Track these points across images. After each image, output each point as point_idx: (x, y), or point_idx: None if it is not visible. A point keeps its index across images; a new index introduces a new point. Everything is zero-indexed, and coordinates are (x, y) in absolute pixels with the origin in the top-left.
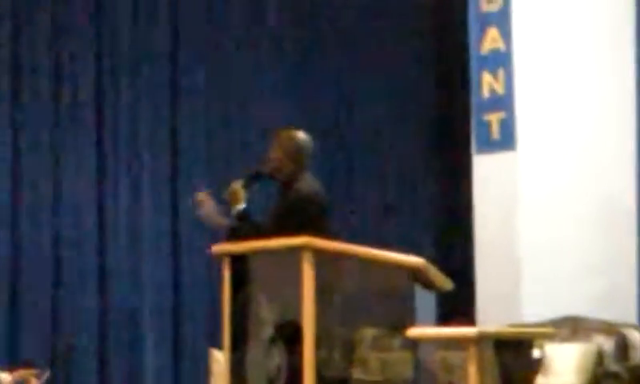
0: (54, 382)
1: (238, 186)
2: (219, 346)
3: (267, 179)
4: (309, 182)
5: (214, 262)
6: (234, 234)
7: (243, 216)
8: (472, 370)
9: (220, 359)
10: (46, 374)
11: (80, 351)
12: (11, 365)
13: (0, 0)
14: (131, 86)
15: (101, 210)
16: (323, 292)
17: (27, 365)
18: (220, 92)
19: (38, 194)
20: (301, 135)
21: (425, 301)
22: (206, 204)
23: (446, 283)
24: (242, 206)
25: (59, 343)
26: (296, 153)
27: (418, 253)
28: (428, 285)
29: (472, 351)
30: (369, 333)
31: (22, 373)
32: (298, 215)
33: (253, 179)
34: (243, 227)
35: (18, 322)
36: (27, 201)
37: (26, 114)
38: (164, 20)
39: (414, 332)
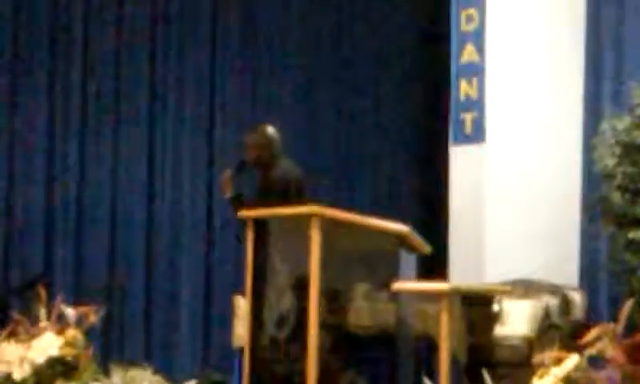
0: (110, 317)
1: (227, 176)
2: (242, 294)
3: (251, 168)
4: (285, 166)
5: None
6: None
7: (233, 201)
8: (444, 319)
9: (242, 304)
10: (102, 311)
11: (130, 294)
12: (75, 302)
13: None
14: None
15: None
16: (326, 252)
17: (87, 302)
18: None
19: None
20: (269, 129)
21: (408, 262)
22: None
23: (426, 248)
24: (230, 193)
25: (114, 285)
26: (269, 144)
27: (402, 220)
28: (411, 249)
29: (445, 303)
30: (362, 287)
31: (83, 309)
32: (276, 194)
33: (239, 169)
34: (236, 208)
35: (82, 271)
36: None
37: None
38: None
39: (397, 286)
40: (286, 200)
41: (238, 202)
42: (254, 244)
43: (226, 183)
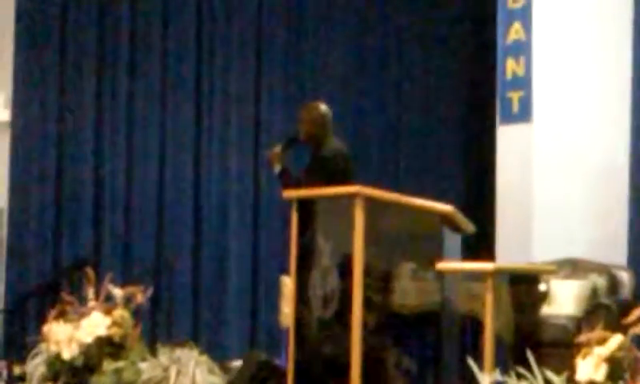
0: (158, 299)
1: (277, 149)
2: (288, 274)
3: (300, 144)
4: (334, 144)
5: (287, 208)
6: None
7: (282, 174)
8: (489, 298)
9: (288, 283)
10: (149, 291)
11: (178, 275)
12: (123, 283)
13: None
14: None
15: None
16: (370, 231)
17: (135, 283)
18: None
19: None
20: (323, 106)
21: (452, 241)
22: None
23: (470, 227)
24: (279, 167)
25: (162, 267)
26: (321, 121)
27: (450, 201)
28: (455, 228)
29: (489, 282)
30: (407, 266)
31: (130, 289)
32: (325, 171)
33: (289, 144)
34: (283, 183)
35: (130, 251)
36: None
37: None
38: None
39: (441, 266)
40: (333, 178)
41: (286, 176)
42: (298, 224)
43: (274, 157)
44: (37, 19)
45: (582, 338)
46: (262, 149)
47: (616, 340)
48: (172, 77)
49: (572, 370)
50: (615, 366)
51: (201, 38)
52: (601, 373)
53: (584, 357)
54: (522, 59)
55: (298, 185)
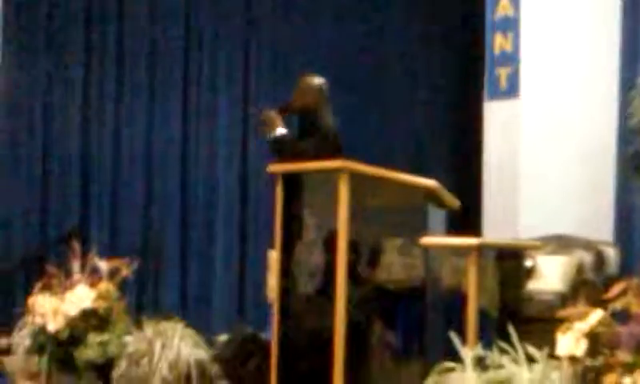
0: (146, 272)
1: (273, 113)
2: (271, 247)
3: (294, 112)
4: (328, 117)
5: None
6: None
7: (279, 140)
8: (472, 273)
9: (275, 257)
10: (135, 264)
11: (166, 249)
12: (110, 256)
13: None
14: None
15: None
16: (355, 206)
17: (122, 256)
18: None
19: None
20: (319, 79)
21: (437, 217)
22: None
23: (455, 203)
24: (280, 130)
25: (149, 241)
26: (317, 92)
27: (438, 179)
28: (440, 203)
29: (472, 257)
30: (392, 241)
31: (116, 262)
32: (319, 143)
33: (284, 110)
34: (275, 150)
35: (117, 225)
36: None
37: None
38: None
39: (425, 241)
40: (323, 150)
41: (287, 143)
42: (284, 198)
43: (274, 120)
44: (23, 7)
45: (563, 313)
46: (249, 124)
47: (596, 315)
48: (160, 55)
49: (554, 344)
50: (595, 341)
51: (189, 21)
52: (581, 348)
53: (564, 332)
54: (510, 35)
55: (294, 154)
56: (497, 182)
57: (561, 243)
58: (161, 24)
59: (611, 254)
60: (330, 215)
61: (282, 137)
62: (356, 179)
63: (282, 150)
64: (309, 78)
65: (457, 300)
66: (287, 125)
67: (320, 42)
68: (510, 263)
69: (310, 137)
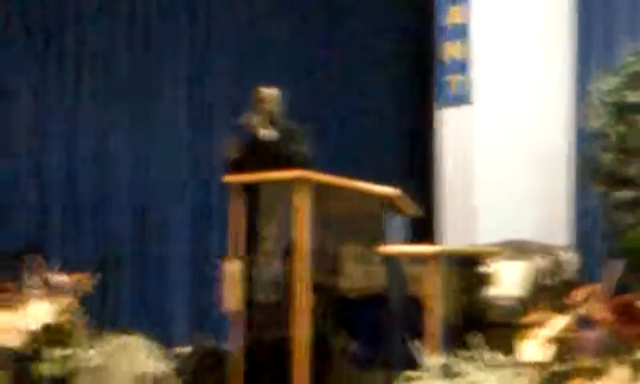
0: (104, 287)
1: (232, 140)
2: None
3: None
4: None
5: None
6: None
7: (237, 162)
8: (432, 280)
9: (229, 268)
10: (96, 278)
11: (123, 260)
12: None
13: None
14: None
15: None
16: (315, 215)
17: (81, 270)
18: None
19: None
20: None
21: (397, 225)
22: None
23: (415, 210)
24: (234, 155)
25: (107, 256)
26: (279, 101)
27: (394, 185)
28: (400, 211)
29: (433, 265)
30: (352, 250)
31: (77, 276)
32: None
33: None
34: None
35: (74, 240)
36: None
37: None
38: None
39: (386, 249)
40: (288, 161)
41: (239, 165)
42: (245, 208)
43: (231, 146)
44: None
45: (527, 319)
46: (200, 133)
47: (560, 321)
48: (111, 64)
49: (518, 350)
50: (560, 347)
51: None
52: (546, 353)
53: (529, 338)
54: (459, 42)
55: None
56: (451, 189)
57: (518, 248)
58: (117, 30)
59: (568, 258)
60: (288, 225)
61: (236, 161)
62: (315, 189)
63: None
64: (270, 88)
65: (417, 308)
66: None
67: (275, 51)
68: (470, 270)
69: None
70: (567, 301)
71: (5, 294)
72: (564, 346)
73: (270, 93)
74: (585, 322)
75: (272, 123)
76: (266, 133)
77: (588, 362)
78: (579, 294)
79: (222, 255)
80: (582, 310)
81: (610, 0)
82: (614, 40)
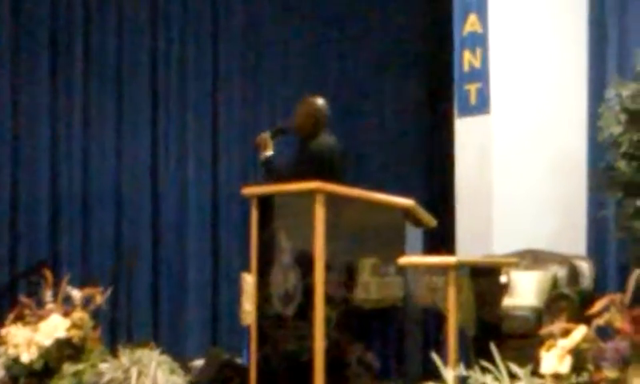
0: (118, 300)
1: (266, 135)
2: (249, 270)
3: (290, 134)
4: (325, 139)
5: (246, 205)
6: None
7: (269, 161)
8: (451, 291)
9: (249, 280)
10: (108, 292)
11: (137, 276)
12: (81, 284)
13: None
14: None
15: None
16: (331, 227)
17: (94, 284)
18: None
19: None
20: (320, 101)
21: (414, 236)
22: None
23: (432, 221)
24: (269, 152)
25: (121, 268)
26: (315, 115)
27: (410, 196)
28: (416, 222)
29: (451, 275)
30: (369, 261)
31: (89, 290)
32: (312, 166)
33: (278, 132)
34: (270, 171)
35: (88, 252)
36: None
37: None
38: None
39: (403, 260)
40: (321, 174)
41: (269, 164)
42: (260, 220)
43: (264, 142)
44: None
45: (546, 330)
46: (220, 145)
47: (580, 332)
48: (127, 74)
49: (536, 362)
50: (579, 358)
51: (156, 28)
52: (565, 365)
53: (548, 349)
54: (478, 51)
55: (281, 176)
56: (469, 199)
57: (535, 258)
58: (128, 45)
59: (585, 267)
60: (306, 237)
61: (268, 158)
62: (332, 200)
63: (269, 171)
64: (308, 101)
65: (434, 319)
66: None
67: (290, 63)
68: (486, 280)
69: (304, 158)
70: (585, 310)
71: (22, 309)
72: (583, 356)
73: (299, 107)
74: (605, 333)
75: (304, 135)
76: (267, 153)
77: (607, 372)
78: (599, 304)
79: (242, 267)
80: (601, 321)
81: (624, 6)
82: (631, 47)
